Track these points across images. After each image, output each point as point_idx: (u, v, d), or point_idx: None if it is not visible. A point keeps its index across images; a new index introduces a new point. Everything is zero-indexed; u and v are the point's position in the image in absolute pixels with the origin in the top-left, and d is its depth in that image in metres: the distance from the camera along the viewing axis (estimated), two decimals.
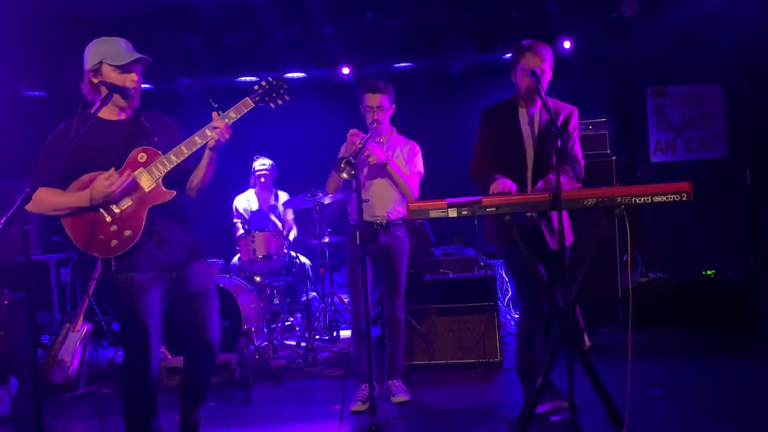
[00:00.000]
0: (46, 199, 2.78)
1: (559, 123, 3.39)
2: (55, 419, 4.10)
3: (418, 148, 4.15)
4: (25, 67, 6.27)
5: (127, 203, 2.84)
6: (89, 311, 5.04)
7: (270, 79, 2.98)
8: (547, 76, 3.37)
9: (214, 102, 2.89)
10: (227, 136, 2.85)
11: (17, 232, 2.54)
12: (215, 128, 2.84)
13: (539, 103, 3.37)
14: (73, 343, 4.72)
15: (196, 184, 3.02)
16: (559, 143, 3.00)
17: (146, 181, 2.85)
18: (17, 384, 4.36)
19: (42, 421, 2.48)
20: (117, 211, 2.83)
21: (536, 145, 3.43)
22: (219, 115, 2.86)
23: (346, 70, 6.46)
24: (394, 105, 4.07)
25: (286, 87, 2.98)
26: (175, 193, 2.90)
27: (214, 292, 3.12)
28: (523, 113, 3.48)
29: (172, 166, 2.85)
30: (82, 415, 4.23)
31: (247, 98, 2.93)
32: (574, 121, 3.48)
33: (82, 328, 4.80)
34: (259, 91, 2.96)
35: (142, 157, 2.86)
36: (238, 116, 2.89)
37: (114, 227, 2.82)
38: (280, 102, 2.97)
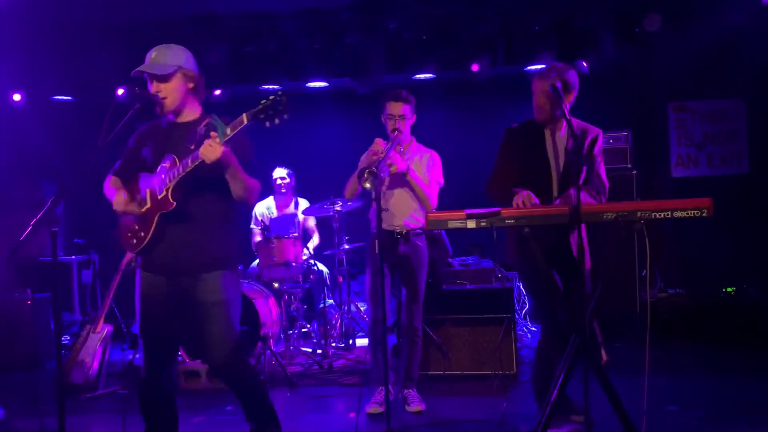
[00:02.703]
0: (107, 188, 3.06)
1: (586, 145, 3.39)
2: (74, 419, 4.15)
3: (437, 158, 4.15)
4: (54, 72, 6.40)
5: (146, 206, 2.96)
6: (110, 313, 5.12)
7: (270, 96, 2.64)
8: (566, 99, 3.32)
9: (216, 117, 2.73)
10: (213, 156, 2.66)
11: (41, 233, 2.60)
12: (205, 145, 2.68)
13: (564, 124, 3.37)
14: (93, 344, 4.78)
15: (235, 196, 2.94)
16: (584, 169, 2.98)
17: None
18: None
19: (65, 420, 2.53)
20: (140, 211, 2.97)
21: (561, 168, 3.41)
22: (217, 128, 2.69)
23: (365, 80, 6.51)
24: (415, 115, 4.09)
25: (285, 104, 2.61)
26: (174, 204, 2.85)
27: (221, 306, 2.94)
28: (548, 135, 3.47)
29: (178, 178, 2.83)
30: (102, 416, 4.28)
31: (243, 114, 2.69)
32: (600, 143, 3.47)
33: (103, 329, 4.87)
34: (259, 107, 2.65)
35: (166, 163, 2.93)
36: (233, 133, 2.69)
37: (137, 226, 2.97)
38: (277, 121, 2.63)
